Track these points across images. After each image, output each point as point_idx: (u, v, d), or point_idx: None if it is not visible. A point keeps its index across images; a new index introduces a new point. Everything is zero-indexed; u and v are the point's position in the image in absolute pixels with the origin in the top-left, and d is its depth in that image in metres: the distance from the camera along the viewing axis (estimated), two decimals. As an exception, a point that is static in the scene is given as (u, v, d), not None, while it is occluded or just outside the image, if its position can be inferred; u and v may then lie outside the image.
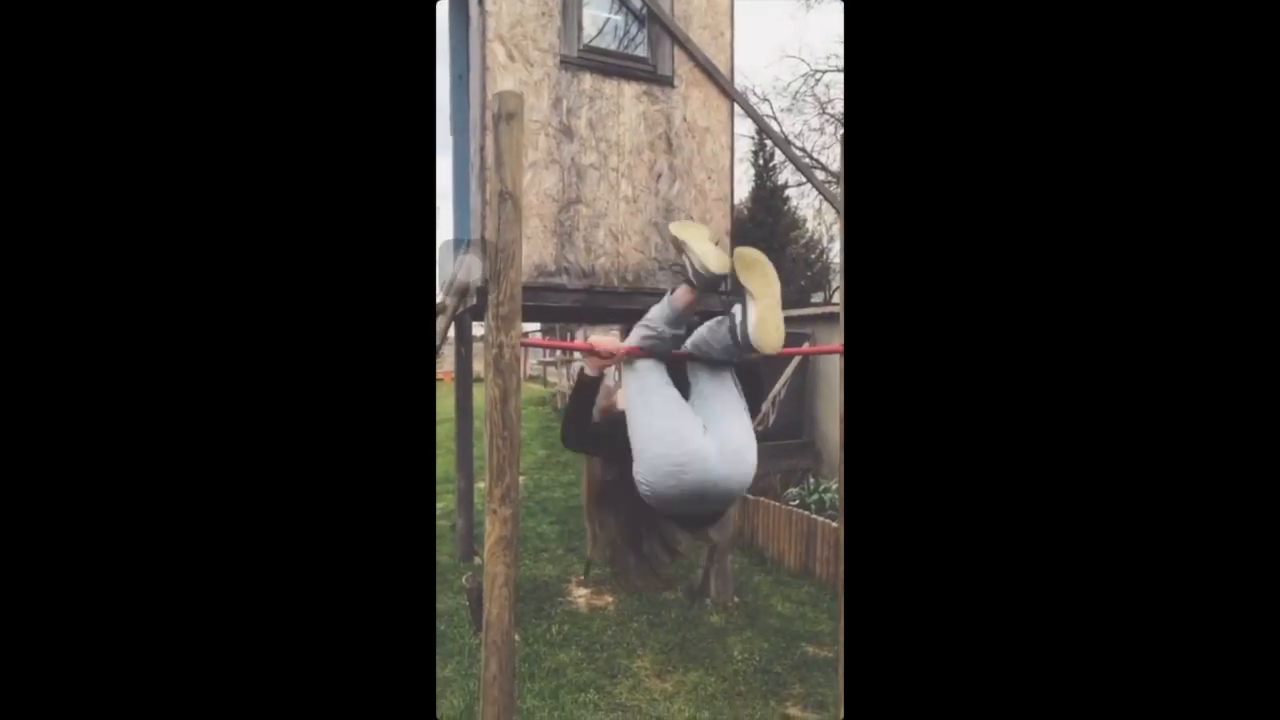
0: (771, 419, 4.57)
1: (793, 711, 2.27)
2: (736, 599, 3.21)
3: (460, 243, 2.89)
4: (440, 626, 2.88)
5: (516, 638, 1.53)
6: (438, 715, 2.19)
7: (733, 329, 1.40)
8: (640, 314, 3.64)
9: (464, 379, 4.00)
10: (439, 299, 2.80)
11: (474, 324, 3.93)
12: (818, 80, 10.54)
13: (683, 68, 3.09)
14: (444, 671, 2.49)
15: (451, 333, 3.37)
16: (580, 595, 3.31)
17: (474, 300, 2.74)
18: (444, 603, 3.13)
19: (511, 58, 2.74)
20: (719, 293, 3.23)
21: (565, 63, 2.84)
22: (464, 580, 3.05)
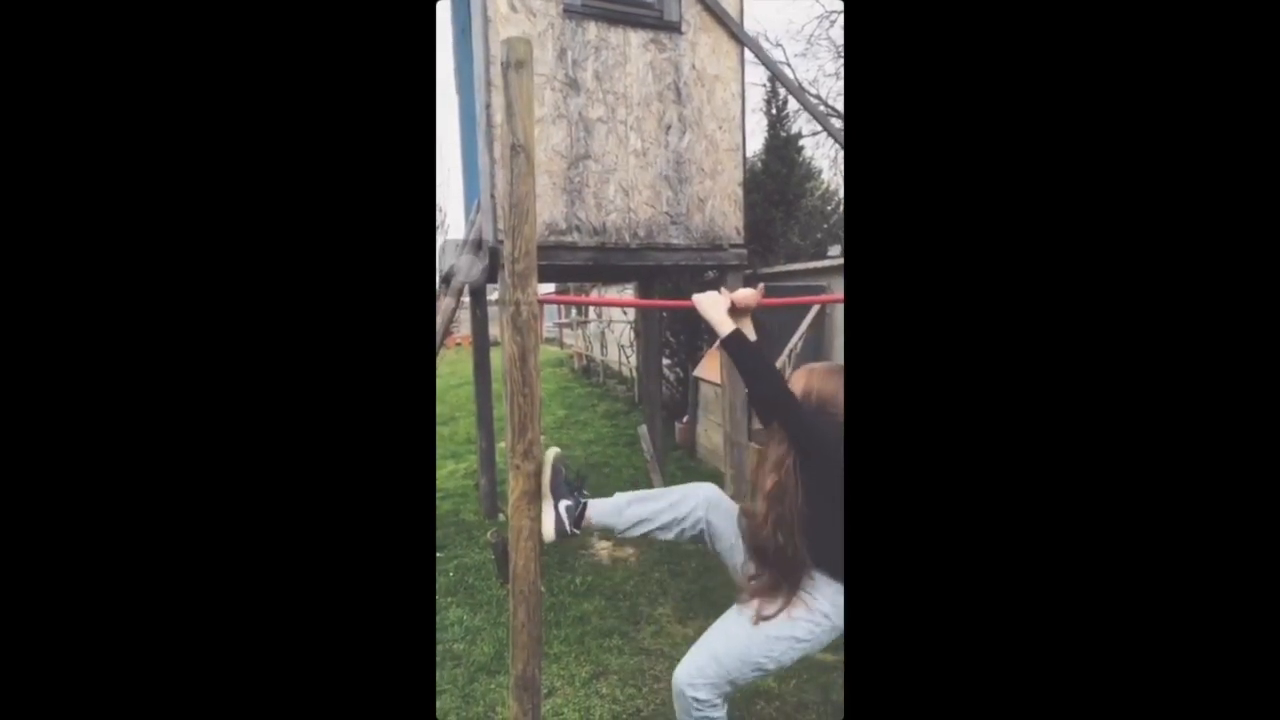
0: (789, 373, 4.57)
1: (811, 653, 2.35)
2: (755, 549, 3.28)
3: (466, 242, 2.88)
4: (469, 580, 2.99)
5: (542, 588, 1.58)
6: (470, 661, 2.30)
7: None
8: (652, 270, 3.62)
9: (481, 341, 4.04)
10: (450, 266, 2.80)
11: (489, 286, 3.94)
12: (833, 23, 10.12)
13: (690, 12, 2.99)
14: (474, 621, 2.59)
15: (466, 296, 3.39)
16: (602, 548, 3.40)
17: (485, 260, 2.75)
18: (471, 557, 3.25)
19: (514, 8, 2.66)
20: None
21: (569, 11, 2.75)
22: (489, 536, 3.15)
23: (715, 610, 2.67)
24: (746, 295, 1.46)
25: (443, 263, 2.81)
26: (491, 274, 2.75)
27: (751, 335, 1.45)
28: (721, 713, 1.38)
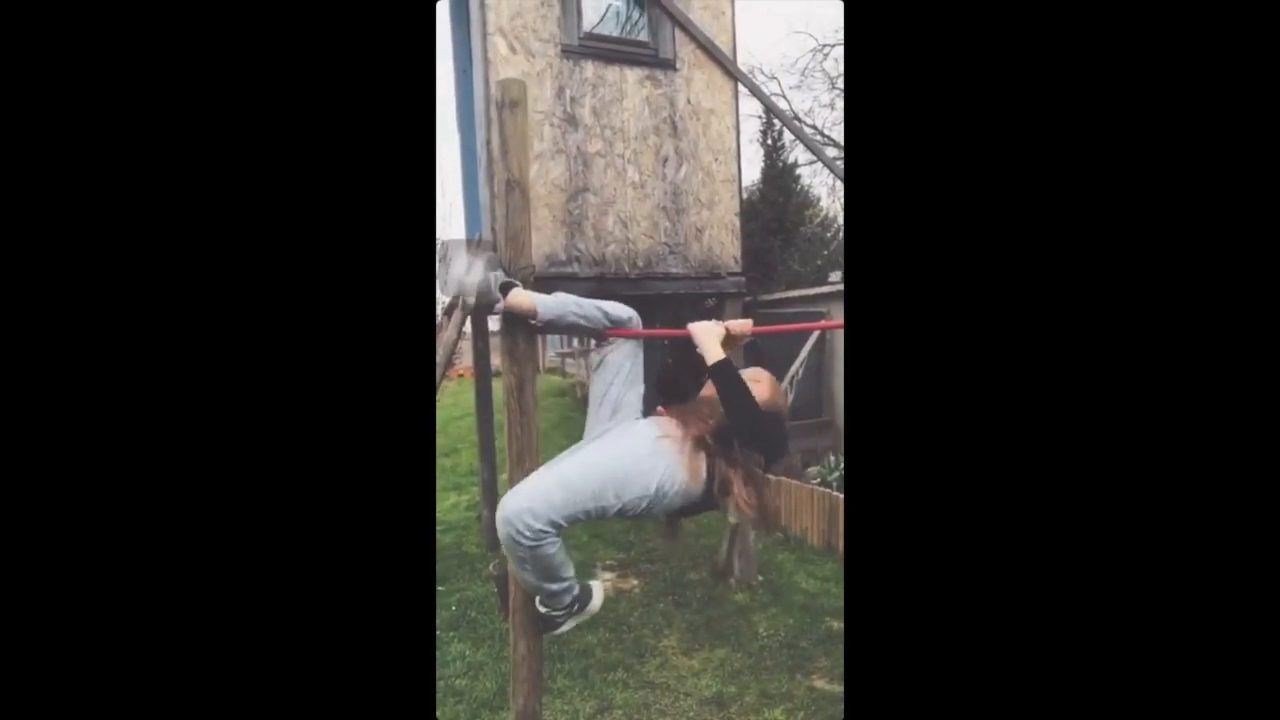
0: (790, 398, 4.57)
1: (818, 684, 2.30)
2: (760, 578, 3.24)
3: (471, 243, 2.92)
4: (471, 614, 2.95)
5: (543, 619, 1.57)
6: (472, 697, 2.26)
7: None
8: (652, 300, 3.65)
9: (483, 373, 4.06)
10: (451, 298, 2.84)
11: (490, 317, 3.97)
12: (826, 55, 10.38)
13: (684, 50, 3.08)
14: (476, 655, 2.56)
15: (468, 327, 3.42)
16: (606, 579, 3.36)
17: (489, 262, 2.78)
18: (474, 590, 3.21)
19: (513, 49, 2.75)
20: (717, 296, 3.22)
21: (567, 52, 2.84)
22: (491, 568, 3.12)
23: (721, 641, 2.64)
24: (742, 325, 1.52)
25: (444, 268, 2.82)
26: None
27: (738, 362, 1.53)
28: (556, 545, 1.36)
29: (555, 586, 1.43)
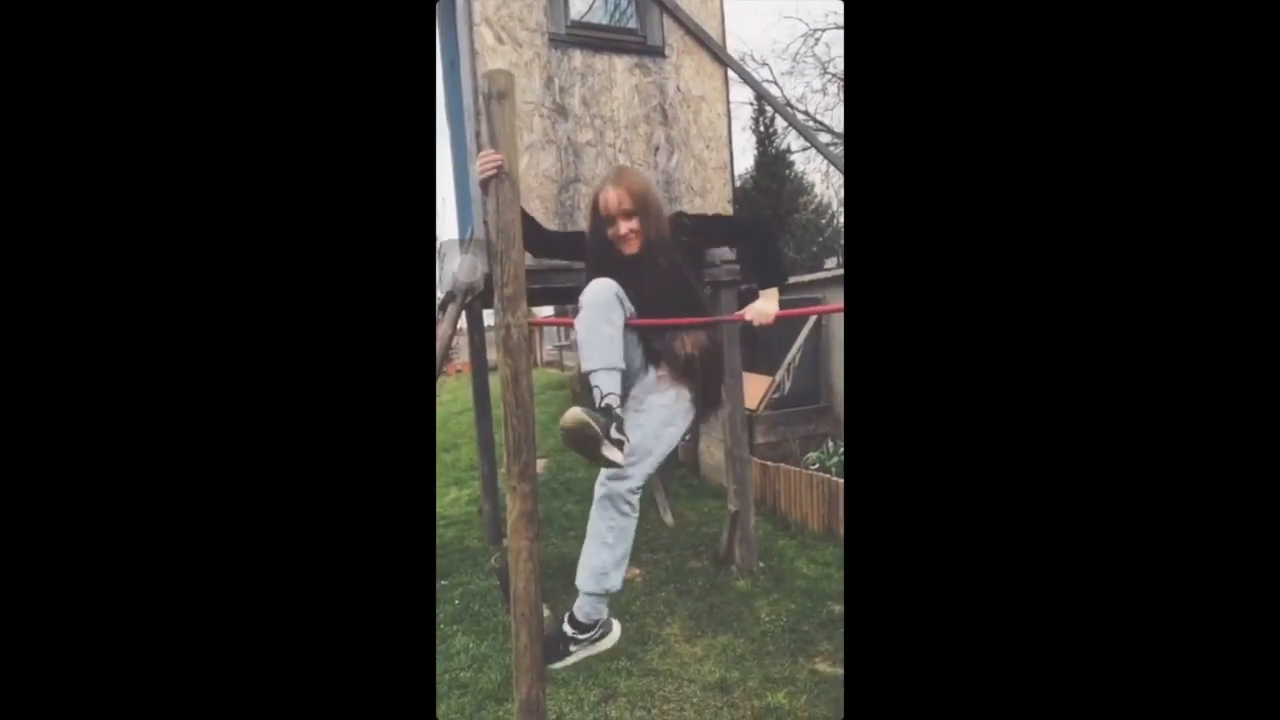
0: (788, 385, 4.58)
1: (821, 667, 2.32)
2: (762, 564, 3.26)
3: (464, 241, 2.92)
4: (474, 607, 2.96)
5: (546, 610, 1.58)
6: (477, 689, 2.27)
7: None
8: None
9: (480, 367, 4.05)
10: (446, 291, 2.83)
11: (485, 312, 3.96)
12: (817, 40, 10.30)
13: (673, 36, 3.05)
14: (480, 648, 2.57)
15: (463, 323, 3.41)
16: (608, 569, 3.37)
17: (481, 288, 2.77)
18: (476, 584, 3.22)
19: (500, 40, 2.72)
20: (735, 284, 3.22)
21: (554, 41, 2.82)
22: (493, 561, 3.13)
23: (724, 627, 2.65)
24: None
25: (442, 266, 2.82)
26: (489, 299, 2.77)
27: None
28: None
29: (615, 580, 1.60)
